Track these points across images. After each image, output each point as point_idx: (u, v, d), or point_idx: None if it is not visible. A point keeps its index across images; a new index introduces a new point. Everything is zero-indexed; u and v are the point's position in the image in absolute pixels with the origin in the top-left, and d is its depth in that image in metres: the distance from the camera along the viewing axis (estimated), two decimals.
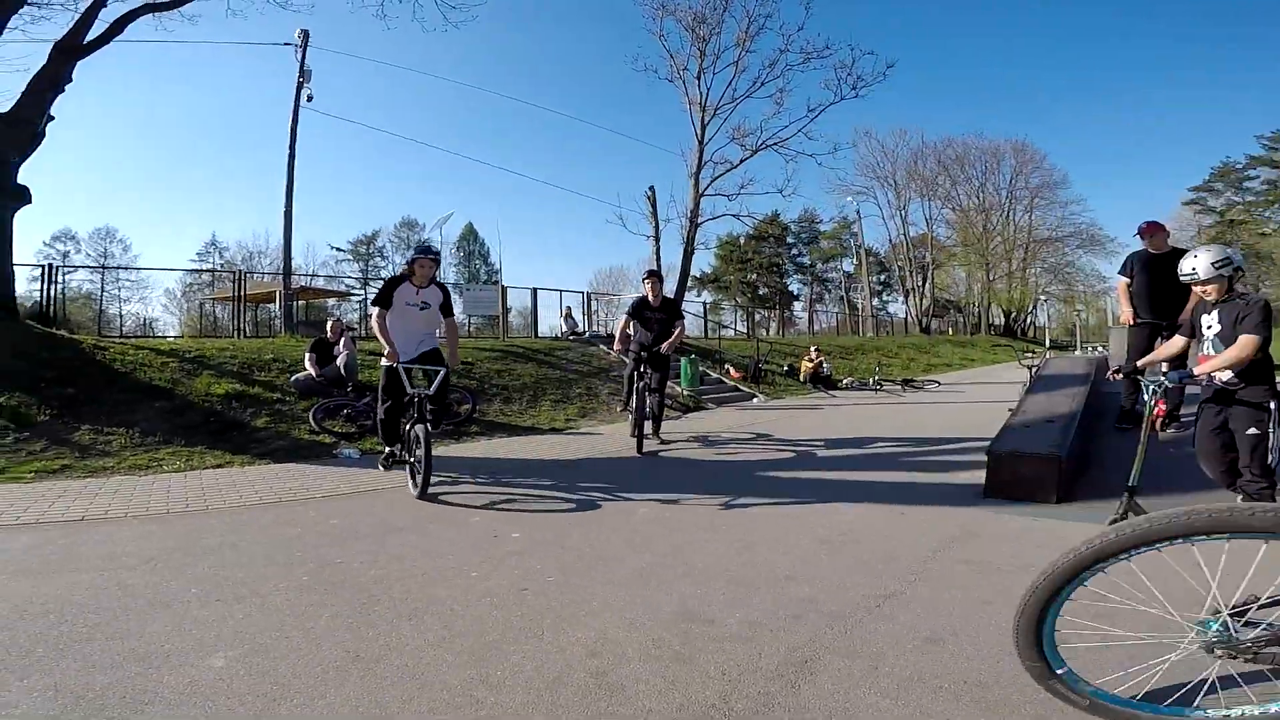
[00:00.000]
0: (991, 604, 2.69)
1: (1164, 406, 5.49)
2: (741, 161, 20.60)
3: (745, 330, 36.83)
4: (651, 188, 20.00)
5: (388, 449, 5.37)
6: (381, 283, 5.58)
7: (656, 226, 19.95)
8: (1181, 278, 3.53)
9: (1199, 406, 3.70)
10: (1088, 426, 5.76)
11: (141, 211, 65.95)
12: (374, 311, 5.10)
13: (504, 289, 16.70)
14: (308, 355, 8.48)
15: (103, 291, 38.32)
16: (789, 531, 3.85)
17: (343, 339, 8.62)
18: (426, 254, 5.29)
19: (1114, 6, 66.02)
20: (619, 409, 9.32)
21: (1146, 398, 3.55)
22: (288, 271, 13.99)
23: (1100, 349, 29.16)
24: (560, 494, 4.97)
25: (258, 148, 57.55)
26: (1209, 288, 3.44)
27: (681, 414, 10.72)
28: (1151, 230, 5.74)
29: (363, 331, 18.38)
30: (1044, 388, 6.85)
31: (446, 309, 5.39)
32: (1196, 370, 3.40)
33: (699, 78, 20.42)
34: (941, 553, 3.43)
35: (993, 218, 48.42)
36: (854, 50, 20.38)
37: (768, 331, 44.27)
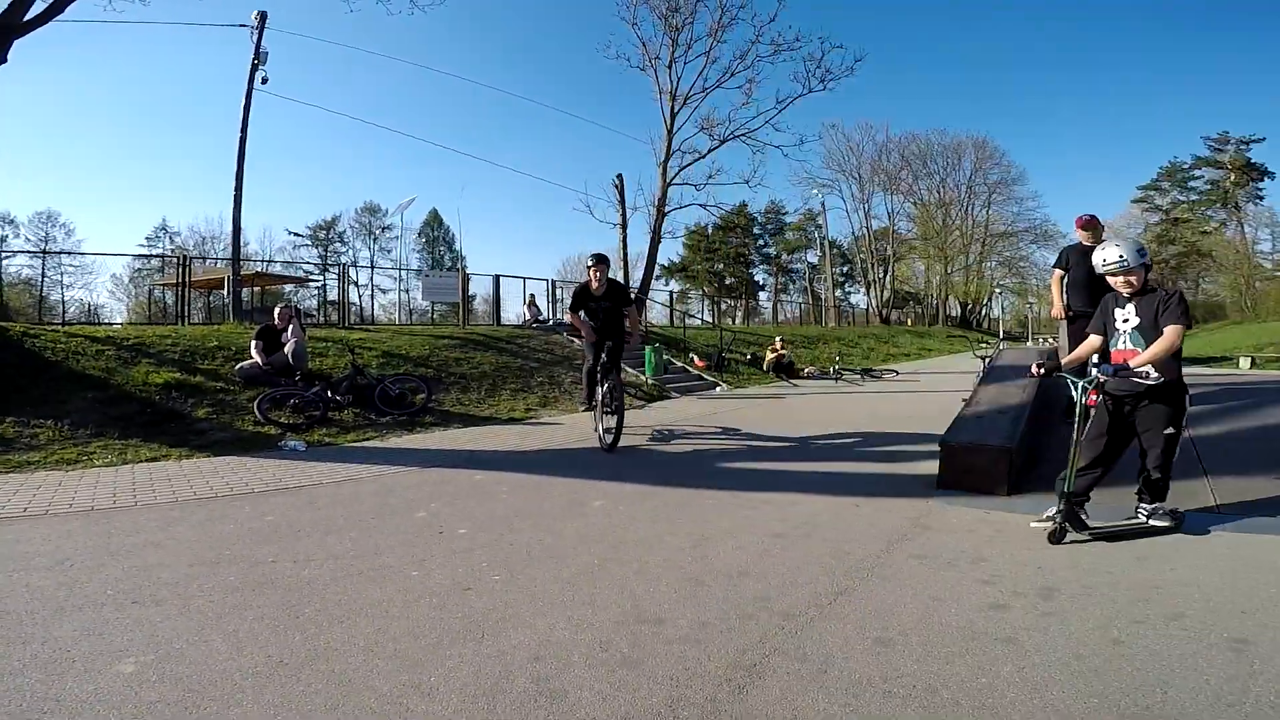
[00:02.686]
0: (941, 601, 2.68)
1: (1095, 399, 5.62)
2: (710, 151, 20.68)
3: (711, 319, 36.98)
4: (619, 175, 19.86)
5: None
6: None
7: (624, 214, 19.85)
8: (1104, 266, 3.46)
9: (1100, 398, 3.62)
10: (1038, 418, 5.83)
11: (89, 195, 62.73)
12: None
13: (465, 276, 16.36)
14: (254, 343, 8.14)
15: (43, 278, 36.63)
16: (744, 525, 3.80)
17: (291, 325, 8.28)
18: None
19: (1071, 9, 67.71)
20: (581, 408, 9.20)
21: (1077, 396, 3.52)
22: (236, 256, 13.49)
23: (1051, 340, 30.06)
24: (512, 487, 4.84)
25: (214, 130, 54.93)
26: (1132, 277, 3.43)
27: (645, 403, 10.64)
28: (1090, 223, 5.87)
29: (324, 318, 17.86)
30: (996, 379, 6.92)
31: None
32: (1133, 363, 3.34)
33: (670, 67, 20.39)
34: (894, 547, 3.41)
35: (952, 212, 49.55)
36: (824, 43, 20.53)
37: (733, 321, 44.52)
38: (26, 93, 52.58)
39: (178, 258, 15.69)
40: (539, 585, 2.88)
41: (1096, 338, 3.68)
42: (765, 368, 15.78)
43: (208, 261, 26.69)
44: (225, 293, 14.32)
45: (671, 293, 29.10)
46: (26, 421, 5.94)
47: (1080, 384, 3.48)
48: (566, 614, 2.58)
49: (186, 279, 12.92)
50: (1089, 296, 5.73)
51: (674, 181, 20.56)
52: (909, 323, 45.16)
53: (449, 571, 3.04)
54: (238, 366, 7.99)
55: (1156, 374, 3.34)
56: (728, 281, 55.64)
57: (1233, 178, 46.77)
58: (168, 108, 64.39)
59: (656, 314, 23.45)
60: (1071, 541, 3.37)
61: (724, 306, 55.00)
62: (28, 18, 8.29)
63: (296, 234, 49.03)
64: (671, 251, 52.61)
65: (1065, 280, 5.95)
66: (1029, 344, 28.48)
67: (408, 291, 26.60)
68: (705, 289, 55.09)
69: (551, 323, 16.15)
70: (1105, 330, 3.64)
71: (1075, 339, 5.79)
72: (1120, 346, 3.52)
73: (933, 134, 49.82)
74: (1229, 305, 44.54)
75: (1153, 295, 3.43)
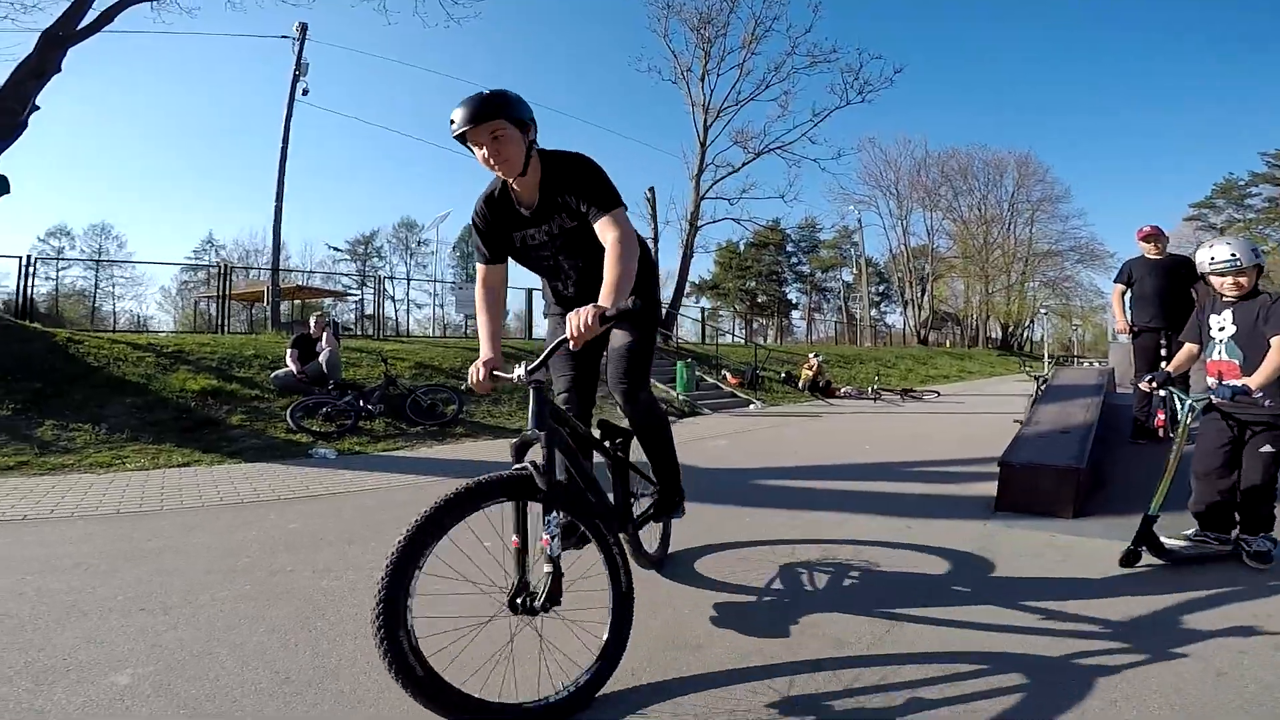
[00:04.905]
0: (1012, 630, 2.42)
1: (1164, 417, 5.25)
2: (744, 165, 20.47)
3: (743, 338, 36.62)
4: (651, 189, 19.76)
5: None
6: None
7: (655, 229, 19.76)
8: (1211, 265, 3.10)
9: (1201, 421, 3.25)
10: (1102, 439, 5.49)
11: (141, 208, 65.52)
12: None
13: None
14: (289, 351, 8.17)
15: (96, 288, 38.12)
16: (787, 546, 3.54)
17: (325, 335, 8.30)
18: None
19: (1121, 22, 66.30)
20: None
21: (1181, 414, 3.16)
22: (276, 267, 13.75)
23: (1097, 362, 28.99)
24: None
25: (258, 144, 57.34)
26: (1243, 278, 3.07)
27: (676, 419, 10.42)
28: (1154, 234, 5.50)
29: (360, 331, 18.09)
30: (1056, 398, 6.56)
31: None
32: (1251, 384, 2.93)
33: (703, 79, 20.25)
34: (954, 573, 3.13)
35: (993, 230, 48.26)
36: (861, 54, 20.22)
37: (765, 339, 44.08)
38: (79, 106, 55.09)
39: (218, 269, 16.04)
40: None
41: (1193, 346, 3.34)
42: (800, 386, 15.42)
43: (250, 274, 27.42)
44: (265, 305, 14.58)
45: (703, 309, 28.79)
46: (65, 425, 6.00)
47: (1189, 401, 3.14)
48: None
49: (226, 290, 13.18)
50: (1157, 310, 5.37)
51: (707, 195, 20.40)
52: (947, 344, 44.12)
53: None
54: (273, 374, 8.03)
55: (1270, 401, 2.96)
56: (760, 299, 55.18)
57: None
58: (214, 121, 66.99)
59: (688, 329, 23.25)
60: (1146, 566, 3.06)
61: (755, 325, 54.57)
62: (81, 26, 8.58)
63: (336, 248, 50.30)
64: (702, 269, 52.48)
65: (1127, 295, 5.59)
66: (1086, 363, 27.45)
67: (442, 306, 26.93)
68: (736, 307, 54.71)
69: None
70: (1200, 338, 3.30)
71: (1142, 355, 5.43)
72: (1215, 357, 3.18)
73: (974, 149, 48.93)
74: None
75: (1253, 301, 3.07)
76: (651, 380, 9.81)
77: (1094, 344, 49.09)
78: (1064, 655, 2.20)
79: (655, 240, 19.99)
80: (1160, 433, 5.30)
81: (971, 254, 47.18)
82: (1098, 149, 70.72)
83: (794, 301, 57.66)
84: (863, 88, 19.95)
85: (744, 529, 3.89)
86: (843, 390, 15.83)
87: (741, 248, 49.23)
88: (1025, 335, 51.89)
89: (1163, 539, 3.11)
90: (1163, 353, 5.30)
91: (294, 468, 5.65)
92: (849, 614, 2.57)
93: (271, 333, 11.70)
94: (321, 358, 8.07)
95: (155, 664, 2.07)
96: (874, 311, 51.50)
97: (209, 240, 48.20)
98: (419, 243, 51.48)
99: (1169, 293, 5.29)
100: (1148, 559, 3.07)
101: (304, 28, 14.03)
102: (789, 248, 56.12)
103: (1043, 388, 7.53)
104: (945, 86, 70.33)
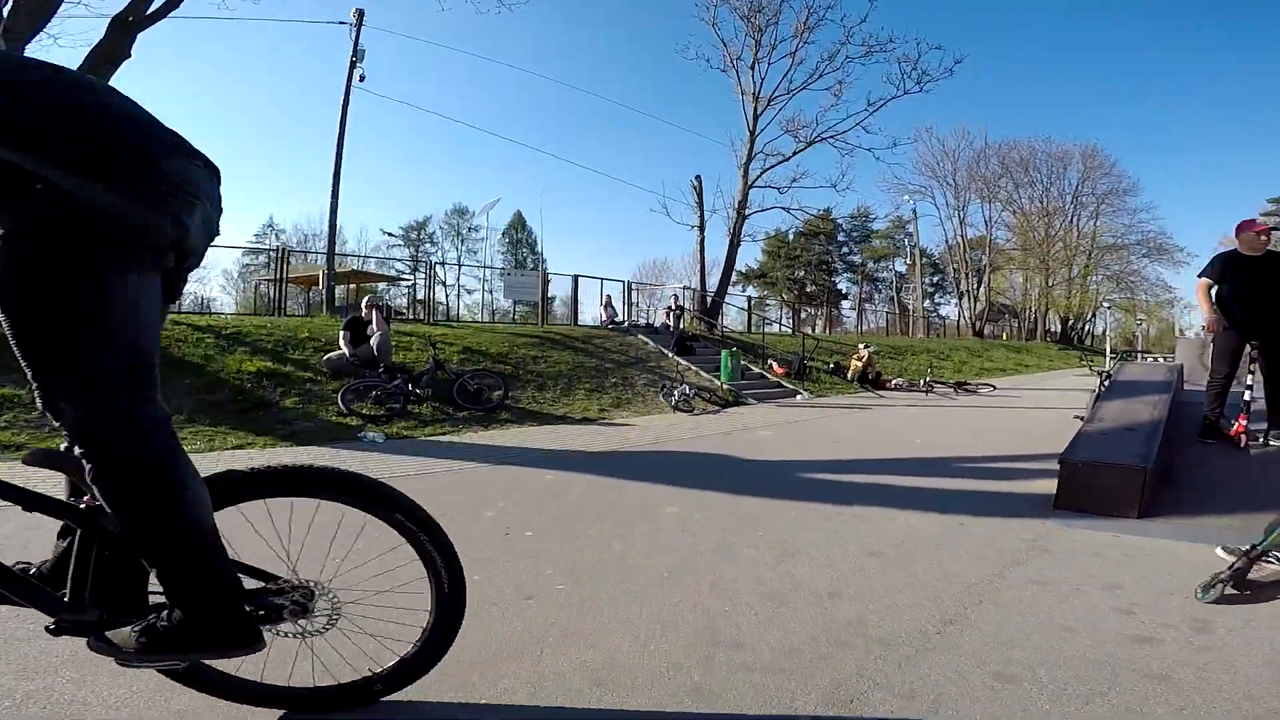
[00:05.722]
0: (1073, 632, 2.28)
1: (1245, 421, 4.89)
2: (794, 154, 20.13)
3: (790, 328, 36.05)
4: (698, 177, 19.60)
5: None
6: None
7: (702, 217, 19.61)
8: None
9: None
10: (1169, 438, 5.18)
11: None
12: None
13: (545, 276, 16.51)
14: (342, 334, 8.37)
15: None
16: (834, 540, 3.43)
17: (375, 318, 8.47)
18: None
19: (1191, 7, 62.21)
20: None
21: None
22: (332, 251, 14.10)
23: (1162, 358, 27.57)
24: (583, 489, 4.64)
25: (318, 132, 58.75)
26: None
27: (720, 409, 10.30)
28: (1249, 227, 5.05)
29: (412, 315, 18.46)
30: (1120, 394, 6.22)
31: None
32: None
33: (753, 68, 19.94)
34: (1009, 570, 2.98)
35: (1055, 222, 46.22)
36: (919, 44, 19.57)
37: (814, 329, 43.35)
38: (150, 89, 57.48)
39: (277, 252, 16.55)
40: (605, 596, 2.63)
41: None
42: (849, 377, 15.06)
43: (307, 258, 28.24)
44: (320, 288, 15.01)
45: (749, 298, 28.40)
46: None
47: None
48: (633, 632, 2.31)
49: (284, 273, 13.60)
50: (1239, 313, 4.97)
51: (755, 184, 20.09)
52: (1004, 336, 42.61)
53: (512, 577, 2.84)
54: (325, 357, 8.23)
55: None
56: (809, 289, 54.22)
57: None
58: (277, 106, 69.04)
59: (733, 318, 23.02)
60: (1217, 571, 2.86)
61: (804, 315, 53.71)
62: (149, 11, 8.88)
63: (390, 234, 51.37)
64: (750, 258, 51.76)
65: (1216, 291, 5.15)
66: (1153, 358, 26.12)
67: (491, 291, 27.38)
68: (784, 296, 53.91)
69: (627, 325, 16.04)
70: None
71: (1225, 355, 5.07)
72: None
73: (1036, 141, 46.88)
74: None
75: None
76: (695, 369, 9.75)
77: (1159, 339, 46.71)
78: (1129, 660, 2.07)
79: (701, 228, 19.85)
80: (1241, 440, 4.94)
81: (1031, 246, 45.34)
82: (1169, 141, 66.68)
83: (844, 291, 56.49)
84: (921, 78, 19.39)
85: (789, 522, 3.79)
86: (893, 382, 15.39)
87: (790, 237, 48.40)
88: (1086, 329, 49.83)
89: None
90: (1252, 354, 4.93)
91: (342, 451, 5.77)
92: (899, 615, 2.46)
93: (326, 315, 12.02)
94: (372, 341, 8.24)
95: (79, 670, 1.90)
96: (927, 303, 50.04)
97: (269, 224, 49.96)
98: (470, 229, 52.37)
99: (1247, 294, 4.90)
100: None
101: (360, 14, 14.25)
102: (840, 237, 54.92)
103: (1106, 383, 7.15)
104: (1006, 77, 67.42)
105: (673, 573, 2.92)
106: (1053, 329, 48.09)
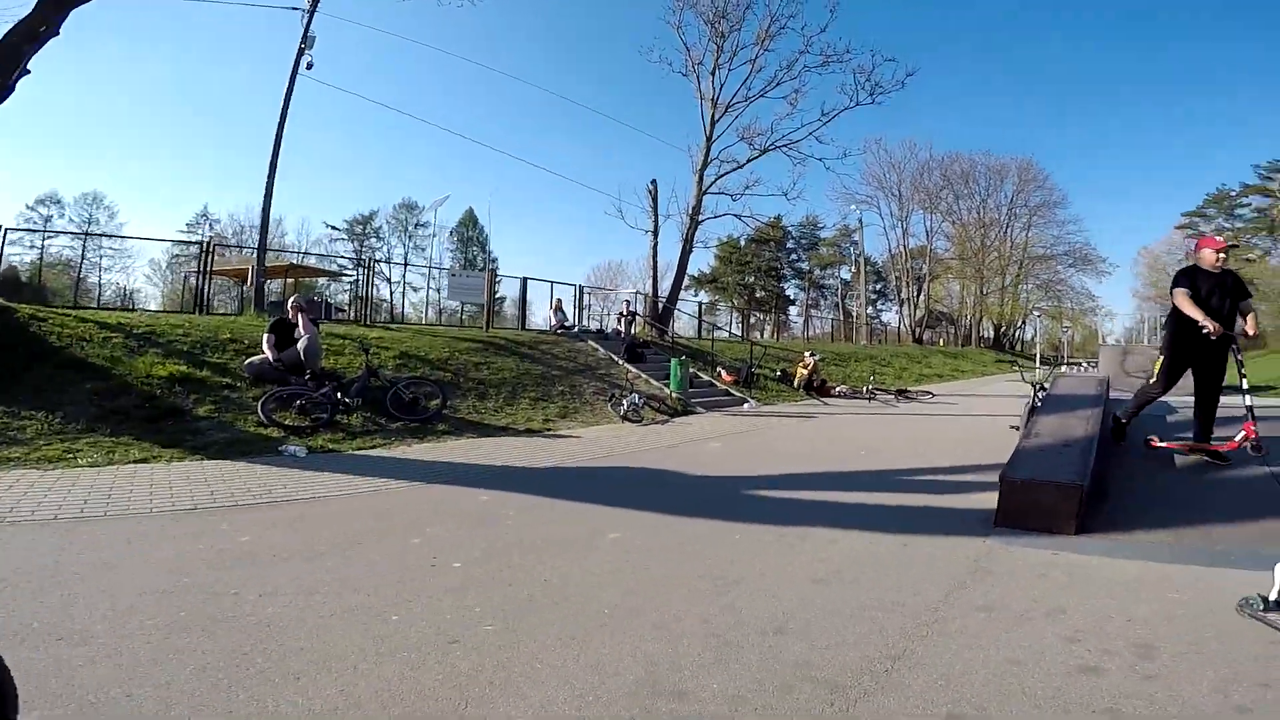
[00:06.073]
0: (1021, 665, 2.23)
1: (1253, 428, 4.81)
2: (749, 161, 20.29)
3: (739, 333, 36.31)
4: (654, 182, 19.51)
5: None
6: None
7: (656, 222, 19.54)
8: None
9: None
10: (1102, 451, 5.31)
11: (137, 180, 63.68)
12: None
13: (492, 276, 16.06)
14: (266, 337, 7.85)
15: (83, 259, 37.25)
16: (778, 567, 3.30)
17: (303, 320, 7.94)
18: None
19: (1125, 31, 66.02)
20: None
21: None
22: (263, 244, 13.29)
23: (1086, 364, 29.13)
24: (520, 511, 4.39)
25: (263, 118, 55.54)
26: None
27: (669, 418, 10.17)
28: (1210, 244, 5.17)
29: (355, 313, 17.66)
30: (1054, 409, 6.36)
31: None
32: None
33: (714, 73, 20.07)
34: (954, 596, 2.91)
35: (991, 233, 48.36)
36: (875, 56, 20.00)
37: (762, 335, 43.93)
38: (79, 73, 53.83)
39: (201, 244, 15.59)
40: (538, 641, 2.41)
41: None
42: (795, 384, 15.19)
43: (243, 251, 26.77)
44: (249, 283, 14.19)
45: (700, 304, 28.31)
46: (16, 412, 5.66)
47: None
48: (569, 681, 2.11)
49: (207, 266, 12.79)
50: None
51: (709, 190, 20.17)
52: (941, 342, 44.16)
53: (435, 617, 2.59)
54: (246, 361, 7.70)
55: None
56: (758, 295, 54.96)
57: None
58: (215, 93, 65.44)
59: (684, 324, 23.02)
60: (1166, 594, 2.89)
61: (753, 320, 54.35)
62: None
63: (334, 227, 49.09)
64: (702, 262, 52.13)
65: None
66: (1063, 368, 27.34)
67: (437, 291, 26.46)
68: (735, 301, 54.47)
69: (577, 329, 15.77)
70: None
71: (1170, 373, 5.17)
72: None
73: (977, 155, 48.91)
74: (1269, 334, 42.62)
75: None
76: (644, 377, 9.70)
77: (1082, 345, 50.36)
78: (1078, 694, 2.03)
79: (655, 233, 19.75)
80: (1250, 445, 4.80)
81: (969, 256, 47.27)
82: (1098, 158, 70.90)
83: (792, 298, 57.54)
84: (873, 89, 19.86)
85: (734, 547, 3.65)
86: (838, 389, 15.61)
87: (742, 243, 48.93)
88: (1017, 335, 52.58)
89: None
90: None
91: (259, 466, 5.35)
92: (846, 651, 2.34)
93: (253, 314, 11.30)
94: (299, 344, 7.74)
95: (65, 706, 1.82)
96: (870, 309, 51.49)
97: (203, 214, 46.98)
98: (417, 225, 50.73)
99: (1219, 312, 4.99)
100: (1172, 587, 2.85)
101: None
102: (789, 244, 55.88)
103: (1041, 396, 7.33)
104: (952, 93, 70.09)
105: (614, 611, 2.72)
106: (986, 335, 50.41)
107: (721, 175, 20.19)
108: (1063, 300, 50.58)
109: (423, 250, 49.99)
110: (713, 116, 19.97)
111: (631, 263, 50.04)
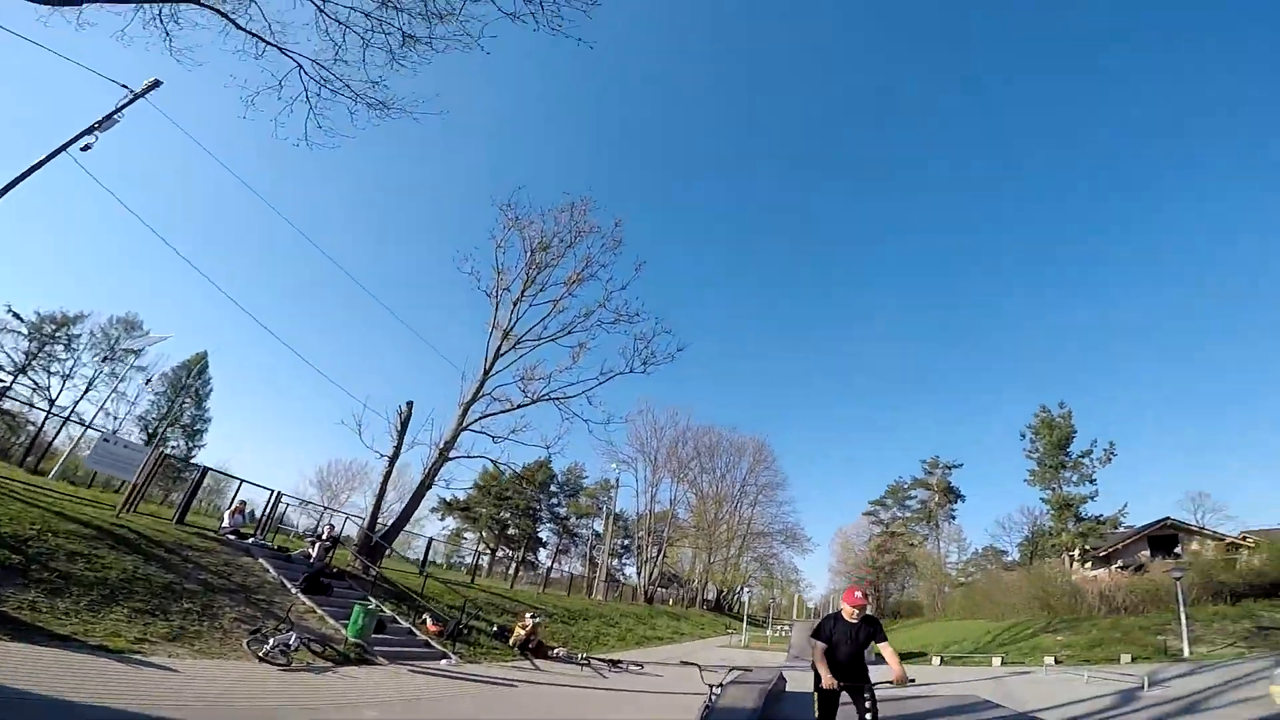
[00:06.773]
0: None
1: None
2: (518, 406, 19.07)
3: (486, 566, 33.29)
4: (409, 404, 17.28)
5: None
6: None
7: (398, 448, 17.17)
8: None
9: None
10: None
11: None
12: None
13: (160, 455, 13.01)
14: None
15: None
16: None
17: None
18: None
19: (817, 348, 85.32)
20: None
21: None
22: None
23: (785, 629, 33.37)
24: None
25: None
26: None
27: (334, 665, 8.24)
28: (848, 596, 5.49)
29: None
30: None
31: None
32: None
33: (516, 304, 19.93)
34: None
35: (724, 507, 52.90)
36: (657, 323, 21.87)
37: (508, 570, 41.35)
38: None
39: None
40: None
41: None
42: (511, 643, 13.79)
43: None
44: None
45: (431, 538, 24.45)
46: None
47: None
48: None
49: None
50: (843, 667, 5.28)
51: (470, 426, 18.85)
52: (670, 602, 44.99)
53: None
54: None
55: None
56: (510, 531, 52.68)
57: (937, 498, 55.62)
58: None
59: (416, 551, 20.28)
60: None
61: (500, 554, 51.32)
62: None
63: (16, 315, 36.84)
64: (458, 488, 49.38)
65: (825, 650, 5.36)
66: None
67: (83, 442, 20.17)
68: (485, 534, 51.39)
69: (252, 541, 13.00)
70: None
71: (825, 706, 5.18)
72: None
73: (724, 430, 54.39)
74: (926, 606, 49.87)
75: None
76: (321, 613, 7.91)
77: (787, 609, 57.54)
78: None
79: (393, 460, 17.33)
80: None
81: (704, 526, 50.69)
82: (813, 449, 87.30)
83: (544, 540, 55.95)
84: (648, 358, 20.44)
85: None
86: (555, 651, 14.38)
87: (505, 475, 47.44)
88: (736, 599, 55.98)
89: None
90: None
91: None
92: None
93: None
94: None
95: None
96: (615, 561, 51.51)
97: None
98: (125, 350, 39.48)
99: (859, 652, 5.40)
100: None
101: (154, 84, 11.56)
102: (553, 487, 55.65)
103: (715, 695, 7.03)
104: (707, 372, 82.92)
105: None
106: (710, 598, 53.12)
107: (488, 415, 19.12)
108: (774, 571, 57.35)
109: (122, 380, 39.17)
110: (498, 349, 19.36)
111: (377, 470, 45.82)
